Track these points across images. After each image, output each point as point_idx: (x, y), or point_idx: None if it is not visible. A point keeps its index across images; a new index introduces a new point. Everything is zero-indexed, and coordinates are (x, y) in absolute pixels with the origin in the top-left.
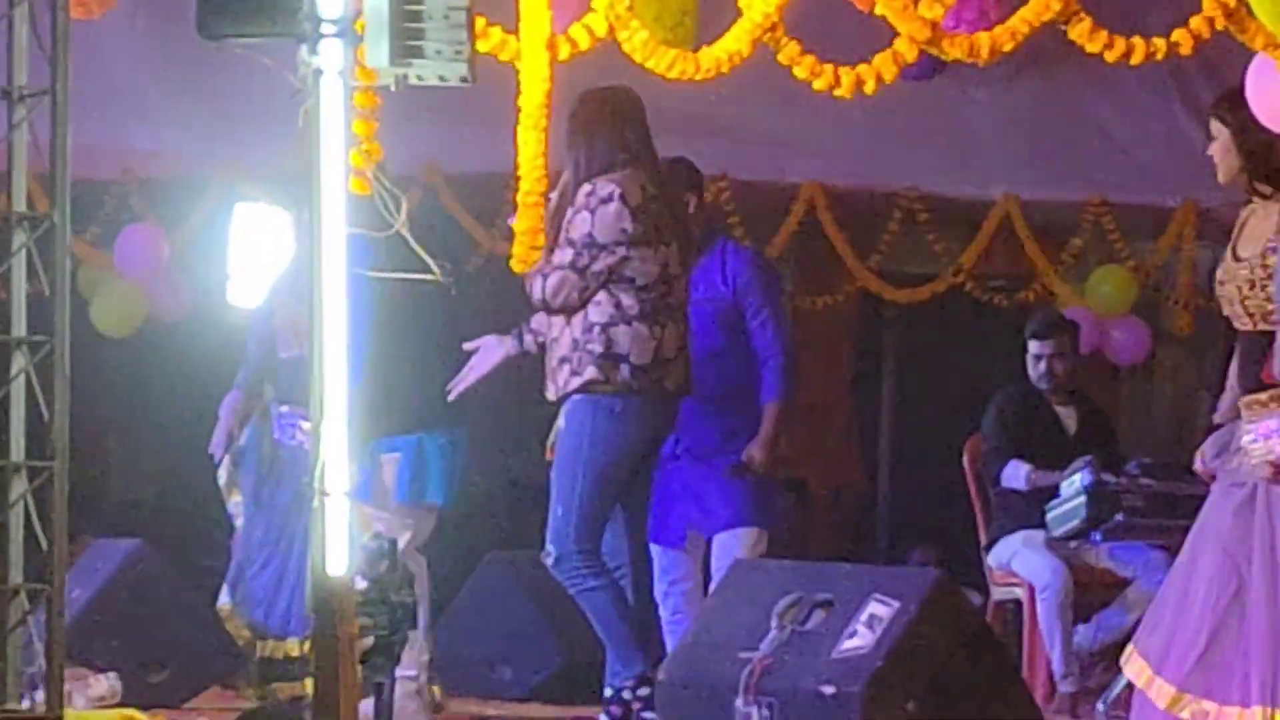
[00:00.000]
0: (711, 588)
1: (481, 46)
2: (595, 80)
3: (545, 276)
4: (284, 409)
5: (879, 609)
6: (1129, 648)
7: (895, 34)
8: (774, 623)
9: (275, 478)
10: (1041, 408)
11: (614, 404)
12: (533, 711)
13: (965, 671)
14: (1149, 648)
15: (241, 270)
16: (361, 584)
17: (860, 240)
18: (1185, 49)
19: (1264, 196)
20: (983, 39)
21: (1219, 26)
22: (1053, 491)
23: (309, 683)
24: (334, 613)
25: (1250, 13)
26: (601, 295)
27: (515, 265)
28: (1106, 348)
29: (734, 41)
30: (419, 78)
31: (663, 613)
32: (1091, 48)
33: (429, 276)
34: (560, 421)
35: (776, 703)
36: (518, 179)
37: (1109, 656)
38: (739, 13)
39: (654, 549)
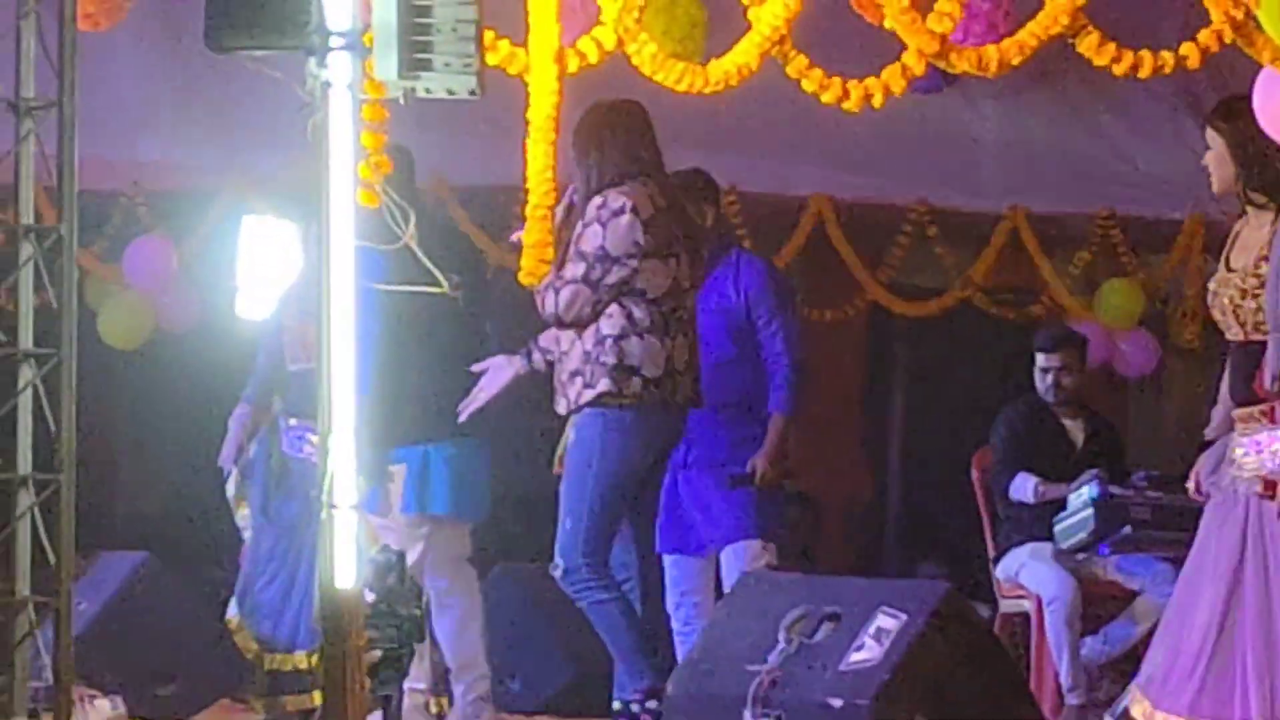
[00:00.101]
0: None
1: (490, 59)
2: (604, 93)
3: (557, 291)
4: (292, 422)
5: (887, 621)
6: (1132, 687)
7: (903, 47)
8: (782, 635)
9: (283, 490)
10: (1049, 421)
11: (624, 417)
12: None
13: (973, 684)
14: (1149, 685)
15: (250, 283)
16: (369, 597)
17: (869, 253)
18: (1193, 62)
19: (1258, 206)
20: (991, 52)
21: (1227, 40)
22: (1061, 504)
23: (317, 695)
24: (342, 625)
25: (1258, 26)
26: (613, 308)
27: (523, 278)
28: (1115, 360)
29: (742, 54)
30: (427, 90)
31: (674, 623)
32: (1100, 61)
33: (437, 289)
34: (569, 435)
35: (784, 715)
36: (526, 192)
37: (1117, 669)
38: (748, 25)
39: (666, 559)
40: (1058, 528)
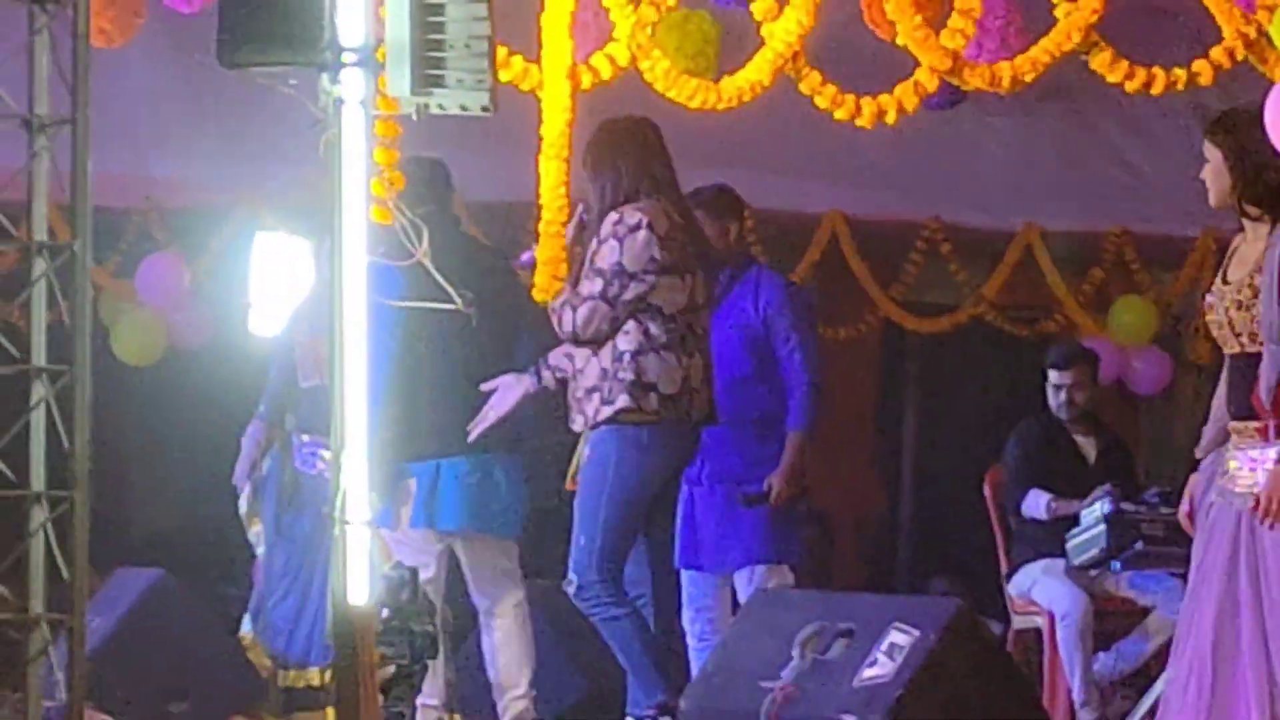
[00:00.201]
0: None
1: (503, 76)
2: (617, 110)
3: (575, 308)
4: (305, 438)
5: (899, 638)
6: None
7: (916, 64)
8: (795, 652)
9: (296, 507)
10: (1062, 438)
11: (640, 435)
12: None
13: (985, 700)
14: (1163, 708)
15: (262, 299)
16: (383, 613)
17: (882, 270)
18: (1205, 79)
19: (1253, 218)
20: (1004, 69)
21: (1239, 57)
22: (1073, 520)
23: (331, 712)
24: (355, 642)
25: (1270, 43)
26: (630, 324)
27: (537, 294)
28: (1127, 377)
29: (755, 71)
30: (440, 107)
31: (690, 638)
32: (1112, 78)
33: (450, 305)
34: (584, 451)
35: None
36: (539, 208)
37: (1129, 685)
38: (761, 43)
39: (684, 575)
40: (1070, 544)
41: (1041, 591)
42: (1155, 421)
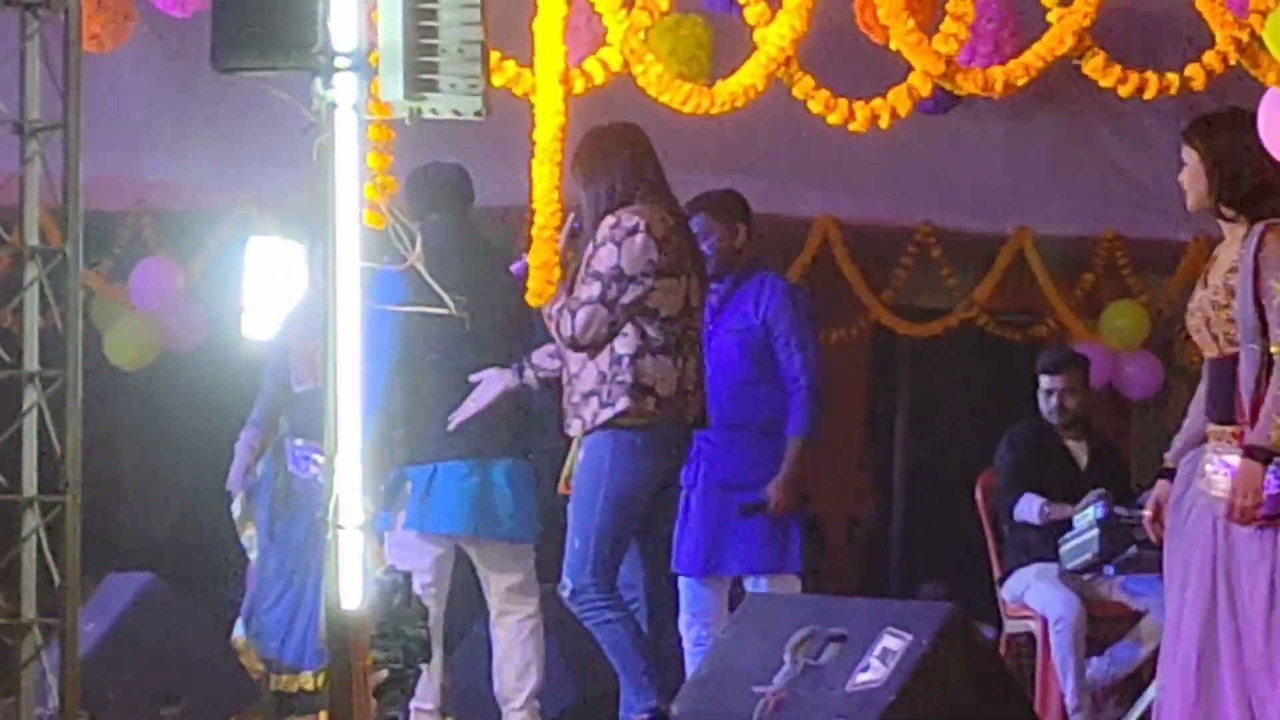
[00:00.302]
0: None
1: (496, 80)
2: (610, 114)
3: (574, 313)
4: (298, 442)
5: (892, 642)
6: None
7: (909, 68)
8: (787, 656)
9: (289, 511)
10: (1053, 443)
11: (635, 438)
12: None
13: (978, 705)
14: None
15: (255, 303)
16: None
17: (874, 274)
18: (1198, 84)
19: (1228, 220)
20: (997, 73)
21: (1232, 61)
22: (1066, 525)
23: (324, 716)
24: (348, 646)
25: (1263, 47)
26: (628, 327)
27: (530, 299)
28: (1119, 382)
29: (748, 76)
30: (433, 111)
31: (686, 643)
32: (1105, 82)
33: (443, 310)
34: (579, 455)
35: None
36: (532, 212)
37: (1122, 690)
38: (753, 47)
39: (681, 580)
40: (1063, 549)
41: (1034, 596)
42: (1147, 426)
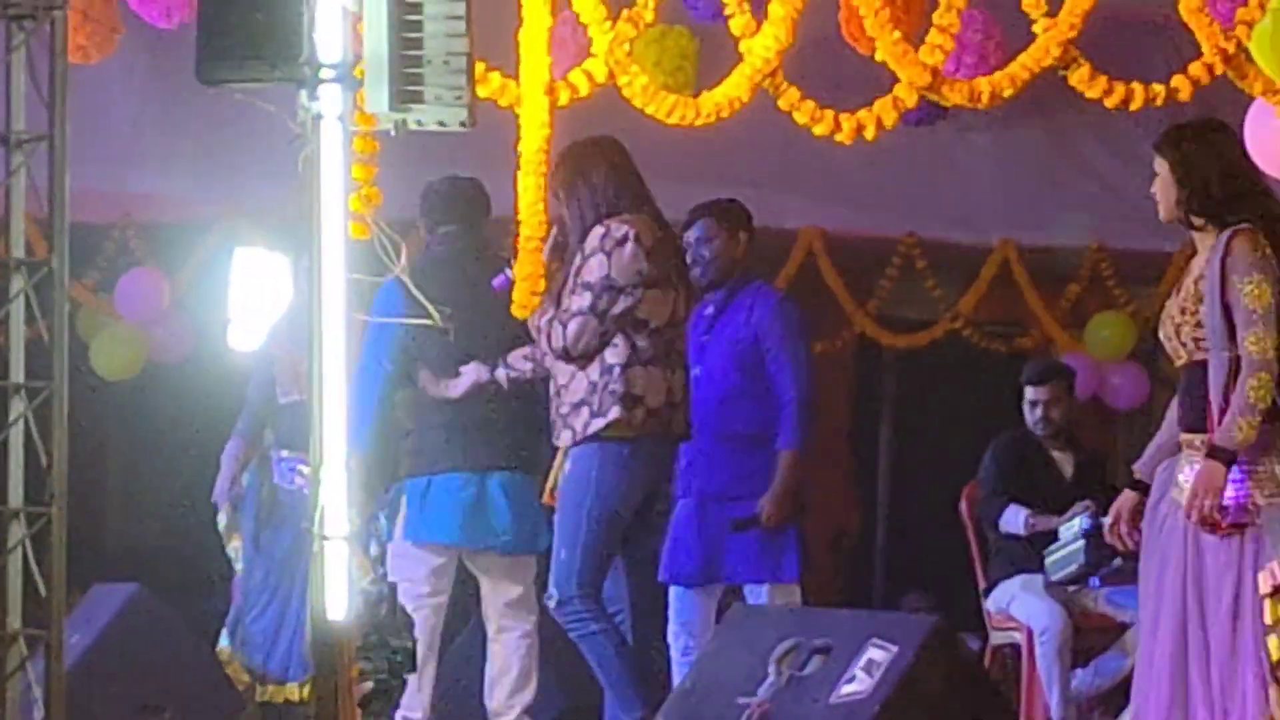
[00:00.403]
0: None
1: (481, 91)
2: (595, 126)
3: (564, 324)
4: (284, 453)
5: (877, 654)
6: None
7: (895, 79)
8: (771, 668)
9: (275, 522)
10: (1038, 453)
11: (622, 449)
12: None
13: (963, 716)
14: None
15: (241, 315)
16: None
17: (858, 286)
18: (1184, 95)
19: (1197, 229)
20: (983, 84)
21: (1218, 72)
22: (1051, 536)
23: None
24: (333, 657)
25: (1249, 59)
26: (618, 337)
27: (515, 311)
28: (1104, 393)
29: (734, 87)
30: (419, 123)
31: (673, 652)
32: (1091, 94)
33: (428, 321)
34: (565, 466)
35: None
36: (518, 224)
37: (1107, 701)
38: (739, 58)
39: (671, 590)
40: (1049, 560)
41: (1020, 607)
42: (1132, 437)
